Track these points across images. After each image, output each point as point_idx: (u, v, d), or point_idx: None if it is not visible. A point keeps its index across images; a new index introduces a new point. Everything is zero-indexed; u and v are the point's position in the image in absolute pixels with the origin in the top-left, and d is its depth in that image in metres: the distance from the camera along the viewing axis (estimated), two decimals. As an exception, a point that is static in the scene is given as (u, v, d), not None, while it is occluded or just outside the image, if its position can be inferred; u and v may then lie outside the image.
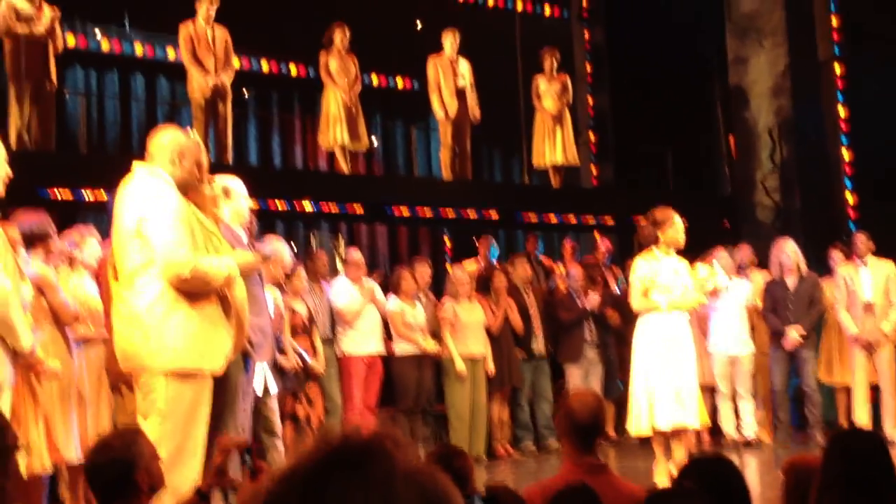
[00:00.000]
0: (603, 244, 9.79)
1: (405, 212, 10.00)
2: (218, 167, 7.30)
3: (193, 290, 3.77)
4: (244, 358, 4.36)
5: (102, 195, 7.06)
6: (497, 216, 10.51)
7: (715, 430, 8.09)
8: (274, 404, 5.35)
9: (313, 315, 7.03)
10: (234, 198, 4.71)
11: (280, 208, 9.18)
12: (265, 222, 10.22)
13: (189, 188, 3.96)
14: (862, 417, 7.43)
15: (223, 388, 4.24)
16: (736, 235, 10.25)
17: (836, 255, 8.14)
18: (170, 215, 3.76)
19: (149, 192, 3.81)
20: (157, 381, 3.72)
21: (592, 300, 8.24)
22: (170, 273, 3.73)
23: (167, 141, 3.97)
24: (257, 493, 0.90)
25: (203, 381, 3.81)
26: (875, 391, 7.73)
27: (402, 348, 7.60)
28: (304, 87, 10.92)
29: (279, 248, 6.17)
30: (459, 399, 7.67)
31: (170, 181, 3.88)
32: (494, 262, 9.21)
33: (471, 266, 9.01)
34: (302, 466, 0.89)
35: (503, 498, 1.16)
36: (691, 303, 6.00)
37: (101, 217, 5.89)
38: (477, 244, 9.36)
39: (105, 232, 4.82)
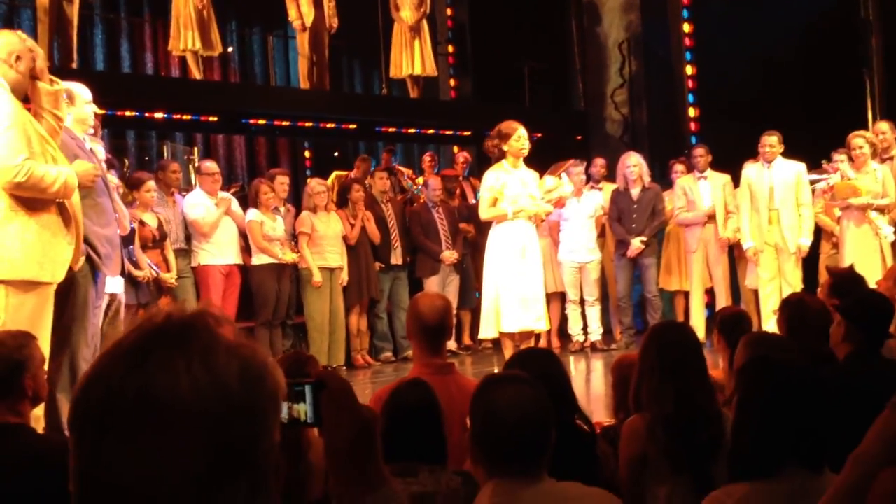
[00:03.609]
0: (461, 156, 9.94)
1: (261, 122, 9.83)
2: (63, 72, 6.97)
3: (29, 196, 3.66)
4: (93, 270, 4.28)
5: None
6: (355, 127, 10.48)
7: (564, 335, 8.51)
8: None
9: (164, 227, 6.90)
10: (77, 104, 4.56)
11: (130, 116, 8.87)
12: (114, 131, 9.89)
13: (23, 92, 3.81)
14: (698, 320, 7.92)
15: (72, 302, 4.16)
16: (587, 148, 10.59)
17: (677, 169, 8.54)
18: (5, 119, 3.63)
19: None
20: None
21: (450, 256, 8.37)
22: (4, 177, 3.61)
23: (3, 42, 3.79)
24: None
25: (45, 292, 3.73)
26: (710, 295, 8.27)
27: (259, 258, 7.57)
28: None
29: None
30: (318, 310, 7.72)
31: (3, 84, 3.72)
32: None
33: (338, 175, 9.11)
34: (126, 342, 0.91)
35: (330, 381, 1.25)
36: (536, 211, 6.16)
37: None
38: (356, 163, 9.41)
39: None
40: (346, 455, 1.22)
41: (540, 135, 9.14)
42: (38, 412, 3.25)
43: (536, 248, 6.15)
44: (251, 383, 0.91)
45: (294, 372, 2.92)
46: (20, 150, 3.63)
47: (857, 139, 7.17)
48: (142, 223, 6.62)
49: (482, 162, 9.86)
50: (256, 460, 0.91)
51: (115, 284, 5.10)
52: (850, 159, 7.24)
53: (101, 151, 5.24)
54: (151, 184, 6.89)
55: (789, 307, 3.70)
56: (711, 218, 8.03)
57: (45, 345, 3.69)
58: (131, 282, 6.13)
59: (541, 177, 6.33)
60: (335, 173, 9.57)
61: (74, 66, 8.12)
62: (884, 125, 7.68)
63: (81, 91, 4.61)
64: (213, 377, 0.88)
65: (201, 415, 0.87)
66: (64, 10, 7.97)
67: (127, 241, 6.01)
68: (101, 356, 0.92)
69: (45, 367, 2.89)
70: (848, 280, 4.24)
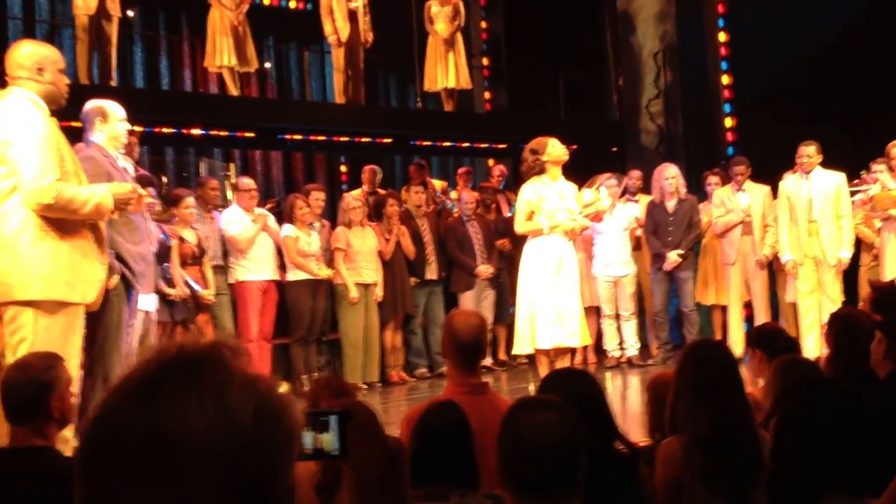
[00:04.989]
0: (497, 169, 9.90)
1: (297, 137, 9.88)
2: (102, 90, 7.06)
3: (60, 218, 3.66)
4: (126, 289, 4.29)
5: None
6: (391, 142, 10.49)
7: (600, 350, 8.41)
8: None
9: (203, 244, 6.94)
10: (110, 121, 4.57)
11: (168, 133, 8.97)
12: (153, 148, 10.00)
13: (53, 100, 3.81)
14: (736, 335, 7.79)
15: (105, 321, 4.17)
16: (623, 160, 10.51)
17: (712, 180, 8.41)
18: (37, 139, 3.63)
19: (14, 114, 3.66)
20: (26, 315, 3.63)
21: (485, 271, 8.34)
22: (33, 199, 3.61)
23: (24, 55, 3.79)
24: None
25: (74, 312, 3.72)
26: (749, 309, 8.13)
27: (295, 274, 7.59)
28: (193, 7, 10.57)
29: None
30: (352, 326, 7.70)
31: (36, 100, 3.73)
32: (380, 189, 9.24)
33: (356, 193, 9.04)
34: (136, 375, 0.88)
35: (357, 411, 1.22)
36: (574, 225, 6.10)
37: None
38: (362, 175, 9.39)
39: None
40: (374, 488, 1.19)
41: (575, 147, 9.08)
42: (67, 434, 3.24)
43: (573, 263, 6.09)
44: (267, 420, 0.87)
45: (329, 397, 2.89)
46: (50, 171, 3.62)
47: (897, 149, 7.03)
48: (181, 240, 6.66)
49: (518, 175, 9.82)
50: (273, 500, 0.87)
51: (149, 302, 5.12)
52: (890, 169, 7.10)
53: (129, 168, 5.25)
54: (191, 200, 6.94)
55: (837, 322, 3.61)
56: (749, 230, 7.91)
57: (73, 366, 3.70)
58: (164, 299, 6.14)
59: (578, 190, 6.28)
60: (350, 193, 9.50)
61: (113, 83, 8.23)
62: (925, 134, 7.52)
63: (114, 108, 4.60)
64: (226, 414, 0.85)
65: (214, 454, 0.83)
66: (103, 28, 8.08)
67: (162, 258, 6.04)
68: (109, 390, 0.88)
69: (73, 388, 2.88)
70: (891, 295, 4.14)
